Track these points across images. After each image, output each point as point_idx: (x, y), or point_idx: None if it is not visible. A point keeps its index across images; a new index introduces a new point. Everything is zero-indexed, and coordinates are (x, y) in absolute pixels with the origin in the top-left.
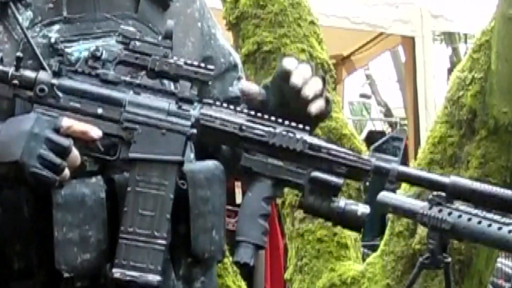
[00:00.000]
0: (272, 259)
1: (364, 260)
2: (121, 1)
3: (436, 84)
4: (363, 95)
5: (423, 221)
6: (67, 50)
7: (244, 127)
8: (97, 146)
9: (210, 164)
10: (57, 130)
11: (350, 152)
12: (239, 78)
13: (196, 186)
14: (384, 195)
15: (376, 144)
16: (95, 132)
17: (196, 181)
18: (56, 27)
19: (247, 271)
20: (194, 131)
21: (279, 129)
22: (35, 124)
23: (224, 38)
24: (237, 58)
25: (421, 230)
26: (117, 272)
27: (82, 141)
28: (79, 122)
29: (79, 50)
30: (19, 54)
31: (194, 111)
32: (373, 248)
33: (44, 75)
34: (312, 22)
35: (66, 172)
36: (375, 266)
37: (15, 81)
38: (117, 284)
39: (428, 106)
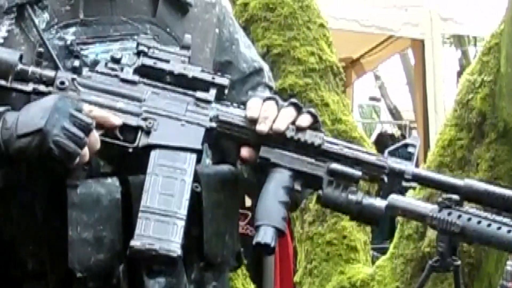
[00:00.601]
0: (281, 262)
1: (373, 263)
2: (139, 5)
3: (445, 87)
4: (372, 98)
5: (433, 224)
6: (83, 52)
7: None
8: (116, 135)
9: (225, 168)
10: (78, 110)
11: (366, 150)
12: (266, 85)
13: (210, 189)
14: (394, 198)
15: (391, 148)
16: (115, 118)
17: (211, 184)
18: (73, 29)
19: (254, 273)
20: (214, 124)
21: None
22: (59, 101)
23: (248, 45)
24: (264, 65)
25: (431, 233)
26: (136, 242)
27: (102, 127)
28: (98, 108)
29: (95, 52)
30: (40, 49)
31: (212, 110)
32: (383, 251)
33: (64, 73)
34: (321, 25)
35: (86, 150)
36: (384, 269)
37: (36, 76)
38: (135, 258)
39: (438, 109)
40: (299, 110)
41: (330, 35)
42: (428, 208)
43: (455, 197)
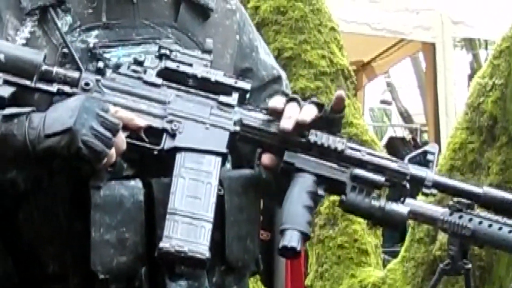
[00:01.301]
0: (292, 265)
1: (384, 266)
2: (161, 9)
3: (456, 90)
4: (383, 101)
5: (444, 228)
6: (106, 55)
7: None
8: (141, 137)
9: (247, 172)
10: (105, 111)
11: (388, 157)
12: (283, 93)
13: (233, 193)
14: (405, 202)
15: (411, 155)
16: (140, 120)
17: (233, 188)
18: (95, 32)
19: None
20: (238, 128)
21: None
22: (86, 101)
23: (267, 52)
24: (282, 72)
25: (442, 237)
26: (165, 243)
27: (128, 129)
28: (124, 110)
29: (117, 55)
30: (65, 50)
31: (236, 114)
32: (394, 255)
33: (88, 74)
34: (332, 29)
35: (113, 151)
36: (395, 272)
37: (60, 77)
38: (164, 260)
39: (449, 112)
40: (320, 108)
41: (341, 39)
42: (439, 211)
43: (466, 200)
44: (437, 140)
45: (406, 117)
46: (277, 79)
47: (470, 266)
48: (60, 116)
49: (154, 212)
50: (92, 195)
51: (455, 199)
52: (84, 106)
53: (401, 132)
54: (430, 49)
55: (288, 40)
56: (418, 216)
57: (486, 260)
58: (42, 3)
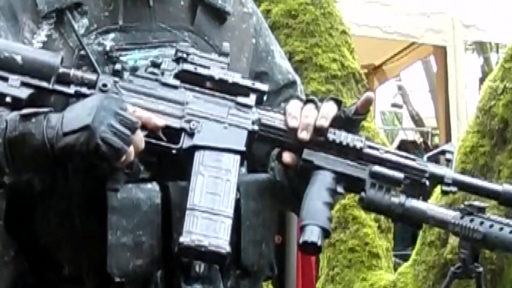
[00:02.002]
0: (303, 269)
1: (395, 269)
2: (177, 13)
3: (467, 93)
4: (394, 105)
5: (455, 231)
6: (122, 58)
7: None
8: (159, 137)
9: (263, 177)
10: (123, 109)
11: (406, 155)
12: (298, 98)
13: (249, 197)
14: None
15: (429, 154)
16: (158, 119)
17: (249, 192)
18: (112, 35)
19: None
20: (256, 127)
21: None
22: (104, 99)
23: (283, 56)
24: (297, 77)
25: (453, 240)
26: (185, 238)
27: (146, 128)
28: (142, 109)
29: (134, 58)
30: (82, 52)
31: (254, 114)
32: (405, 258)
33: (105, 75)
34: (343, 32)
35: (132, 149)
36: (406, 276)
37: (77, 79)
38: (184, 255)
39: (460, 115)
40: (339, 104)
41: (352, 42)
42: (450, 214)
43: (477, 203)
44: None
45: (417, 121)
46: (292, 84)
47: (481, 269)
48: (78, 114)
49: (170, 216)
50: (109, 198)
51: (467, 202)
52: (102, 105)
53: (412, 135)
54: (441, 52)
55: (299, 43)
56: (429, 219)
57: (497, 264)
58: (58, 5)
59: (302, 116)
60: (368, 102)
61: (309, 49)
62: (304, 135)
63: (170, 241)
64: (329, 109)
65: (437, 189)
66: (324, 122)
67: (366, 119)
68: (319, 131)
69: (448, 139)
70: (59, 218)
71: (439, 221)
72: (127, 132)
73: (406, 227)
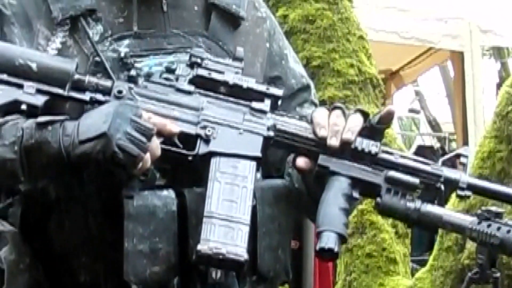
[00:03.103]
0: (320, 274)
1: (413, 275)
2: (191, 18)
3: (485, 99)
4: (412, 110)
5: (472, 236)
6: (137, 64)
7: None
8: (175, 143)
9: (279, 182)
10: (138, 116)
11: (421, 160)
12: (312, 102)
13: (265, 203)
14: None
15: (444, 158)
16: (173, 126)
17: (265, 198)
18: (126, 41)
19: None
20: (271, 133)
21: None
22: (119, 106)
23: (297, 60)
24: (310, 82)
25: (470, 245)
26: (203, 246)
27: (161, 135)
28: (157, 116)
29: (149, 65)
30: (97, 59)
31: (269, 120)
32: (422, 263)
33: (120, 82)
34: (361, 37)
35: (148, 156)
36: (424, 281)
37: (92, 85)
38: (202, 263)
39: (477, 121)
40: (366, 117)
41: (370, 47)
42: (468, 220)
43: (494, 209)
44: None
45: (435, 126)
46: (306, 88)
47: (498, 274)
48: (94, 122)
49: (186, 222)
50: (125, 205)
51: (484, 207)
52: (117, 112)
53: (430, 141)
54: (458, 57)
55: (317, 48)
56: (446, 225)
57: None
58: (73, 12)
59: (330, 124)
60: (390, 115)
61: (327, 54)
62: (334, 141)
63: (187, 248)
64: (356, 122)
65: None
66: (351, 136)
67: None
68: (345, 144)
69: (465, 144)
70: (75, 226)
71: (457, 227)
72: (143, 139)
73: (423, 233)
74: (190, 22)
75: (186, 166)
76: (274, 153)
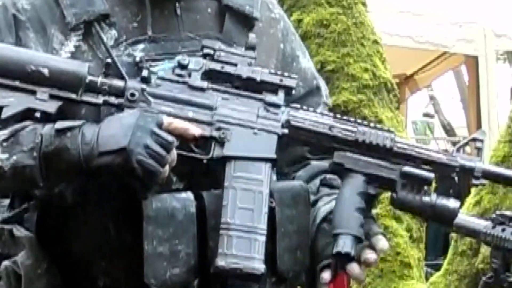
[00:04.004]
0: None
1: (427, 279)
2: (205, 21)
3: (499, 103)
4: (426, 115)
5: (486, 240)
6: (152, 68)
7: (333, 127)
8: (189, 146)
9: (296, 184)
10: (159, 126)
11: (435, 150)
12: (324, 104)
13: (283, 205)
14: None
15: (459, 145)
16: (195, 129)
17: (283, 200)
18: (141, 46)
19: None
20: (286, 131)
21: (367, 128)
22: (140, 118)
23: (308, 60)
24: (321, 82)
25: (485, 249)
26: (221, 262)
27: (181, 138)
28: (178, 120)
29: (164, 68)
30: (108, 60)
31: (283, 114)
32: (436, 268)
33: (133, 83)
34: (375, 41)
35: (167, 168)
36: (438, 285)
37: (105, 87)
38: (220, 276)
39: (491, 125)
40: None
41: (384, 52)
42: (482, 224)
43: (509, 213)
44: (480, 153)
45: (449, 130)
46: (316, 91)
47: None
48: (114, 134)
49: (205, 224)
50: (145, 207)
51: (498, 212)
52: (138, 124)
53: (444, 145)
54: (472, 62)
55: (331, 53)
56: (460, 229)
57: None
58: (86, 17)
59: None
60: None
61: (341, 58)
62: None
63: (206, 249)
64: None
65: (468, 199)
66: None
67: (398, 128)
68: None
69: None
70: (92, 229)
71: (471, 231)
72: (163, 152)
73: (438, 237)
74: (203, 25)
75: (202, 169)
76: (283, 156)
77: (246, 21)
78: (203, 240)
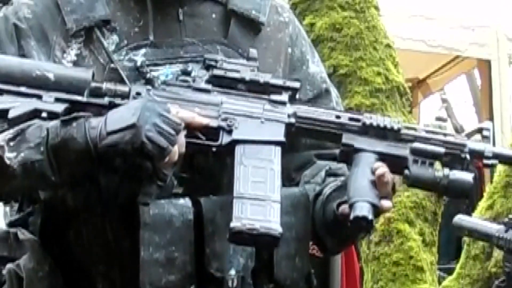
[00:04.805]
0: (348, 283)
1: (440, 283)
2: (209, 26)
3: None
4: (439, 118)
5: (499, 244)
6: (153, 73)
7: (340, 116)
8: (198, 136)
9: (296, 191)
10: (167, 111)
11: (444, 132)
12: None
13: (282, 212)
14: (460, 218)
15: (466, 132)
16: (202, 118)
17: (282, 206)
18: (143, 51)
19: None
20: (293, 120)
21: (374, 115)
22: (148, 101)
23: (318, 64)
24: (332, 88)
25: (497, 253)
26: (236, 223)
27: (189, 127)
28: (185, 110)
29: (165, 73)
30: (112, 66)
31: (289, 108)
32: (449, 271)
33: (137, 87)
34: (388, 45)
35: (176, 149)
36: None
37: (111, 92)
38: (236, 241)
39: (504, 129)
40: None
41: (397, 55)
42: (495, 228)
43: None
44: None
45: (460, 131)
46: (324, 93)
47: None
48: (122, 115)
49: (203, 231)
50: (141, 214)
51: (510, 216)
52: (146, 106)
53: None
54: (485, 66)
55: (344, 57)
56: (473, 233)
57: None
58: (87, 23)
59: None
60: None
61: (353, 62)
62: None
63: (203, 257)
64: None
65: (481, 203)
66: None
67: None
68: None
69: None
70: (92, 234)
71: (484, 235)
72: (172, 131)
73: (451, 241)
74: (207, 30)
75: (203, 173)
76: (290, 162)
77: (252, 26)
78: (200, 247)
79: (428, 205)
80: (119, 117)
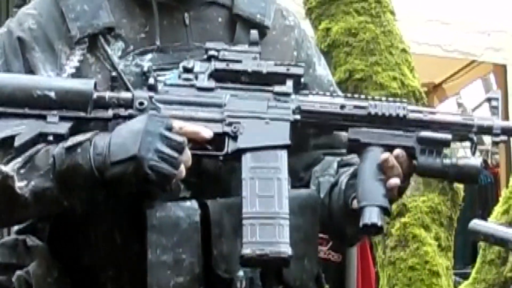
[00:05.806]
0: (363, 287)
1: None
2: (216, 30)
3: None
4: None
5: None
6: (160, 78)
7: (344, 106)
8: (205, 147)
9: (304, 192)
10: (169, 129)
11: (450, 112)
12: None
13: (290, 213)
14: (476, 223)
15: (475, 105)
16: (206, 132)
17: (290, 208)
18: (149, 56)
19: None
20: (298, 117)
21: (379, 102)
22: (149, 122)
23: (325, 68)
24: (337, 90)
25: None
26: (246, 249)
27: (193, 141)
28: (189, 123)
29: (171, 78)
30: (114, 74)
31: (293, 102)
32: (465, 276)
33: (140, 93)
34: (403, 50)
35: (182, 168)
36: None
37: (114, 101)
38: (248, 265)
39: None
40: None
41: (413, 60)
42: (510, 232)
43: None
44: (508, 163)
45: (477, 139)
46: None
47: None
48: (124, 142)
49: (210, 233)
50: (148, 216)
51: None
52: (147, 129)
53: None
54: (501, 70)
55: (359, 61)
56: (489, 238)
57: None
58: (91, 31)
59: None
60: None
61: (369, 67)
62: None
63: (210, 258)
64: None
65: (497, 208)
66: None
67: None
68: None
69: (508, 157)
70: (101, 238)
71: (499, 240)
72: (175, 154)
73: (467, 245)
74: (213, 34)
75: (211, 177)
76: (298, 161)
77: (259, 30)
78: (207, 248)
79: (444, 210)
80: (122, 144)
